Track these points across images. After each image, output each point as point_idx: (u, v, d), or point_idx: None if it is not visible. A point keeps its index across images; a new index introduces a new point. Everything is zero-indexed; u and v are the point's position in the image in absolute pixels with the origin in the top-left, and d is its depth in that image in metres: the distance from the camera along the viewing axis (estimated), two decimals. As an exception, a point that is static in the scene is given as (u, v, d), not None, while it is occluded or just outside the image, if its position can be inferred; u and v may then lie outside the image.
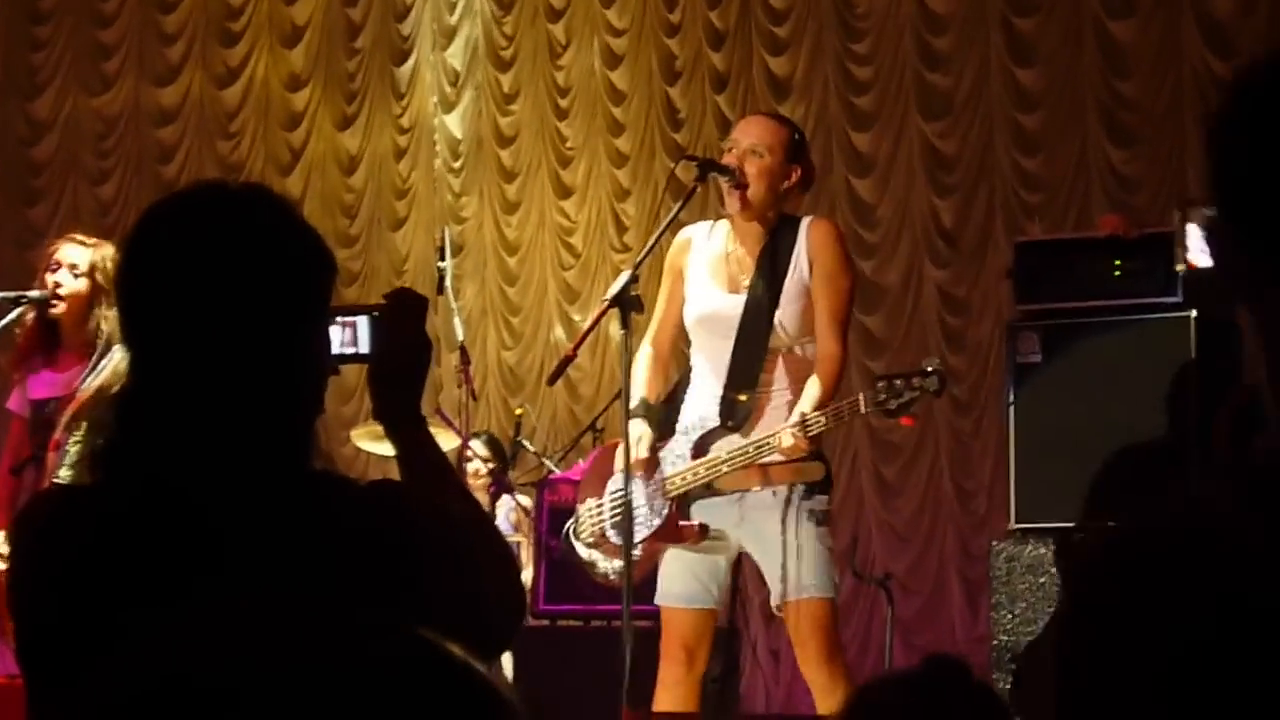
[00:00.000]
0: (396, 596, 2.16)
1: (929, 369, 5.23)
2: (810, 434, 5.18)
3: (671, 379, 5.72)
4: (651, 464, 5.46)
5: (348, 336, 2.50)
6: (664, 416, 5.57)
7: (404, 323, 2.50)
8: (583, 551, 5.63)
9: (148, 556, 2.13)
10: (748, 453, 5.31)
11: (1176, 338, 6.37)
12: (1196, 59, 8.85)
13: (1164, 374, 6.35)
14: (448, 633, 2.24)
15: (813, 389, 5.27)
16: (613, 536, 5.51)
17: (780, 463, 5.29)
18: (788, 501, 5.33)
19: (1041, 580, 6.36)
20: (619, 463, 5.36)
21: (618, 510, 5.43)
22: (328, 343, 2.34)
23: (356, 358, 2.51)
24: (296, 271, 2.26)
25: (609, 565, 5.56)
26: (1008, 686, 6.22)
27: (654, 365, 5.62)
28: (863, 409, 5.19)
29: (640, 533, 5.45)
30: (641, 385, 5.54)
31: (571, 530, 5.71)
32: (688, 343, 5.64)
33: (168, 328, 2.22)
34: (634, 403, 5.42)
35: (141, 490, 2.18)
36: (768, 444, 5.24)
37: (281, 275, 2.24)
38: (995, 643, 6.43)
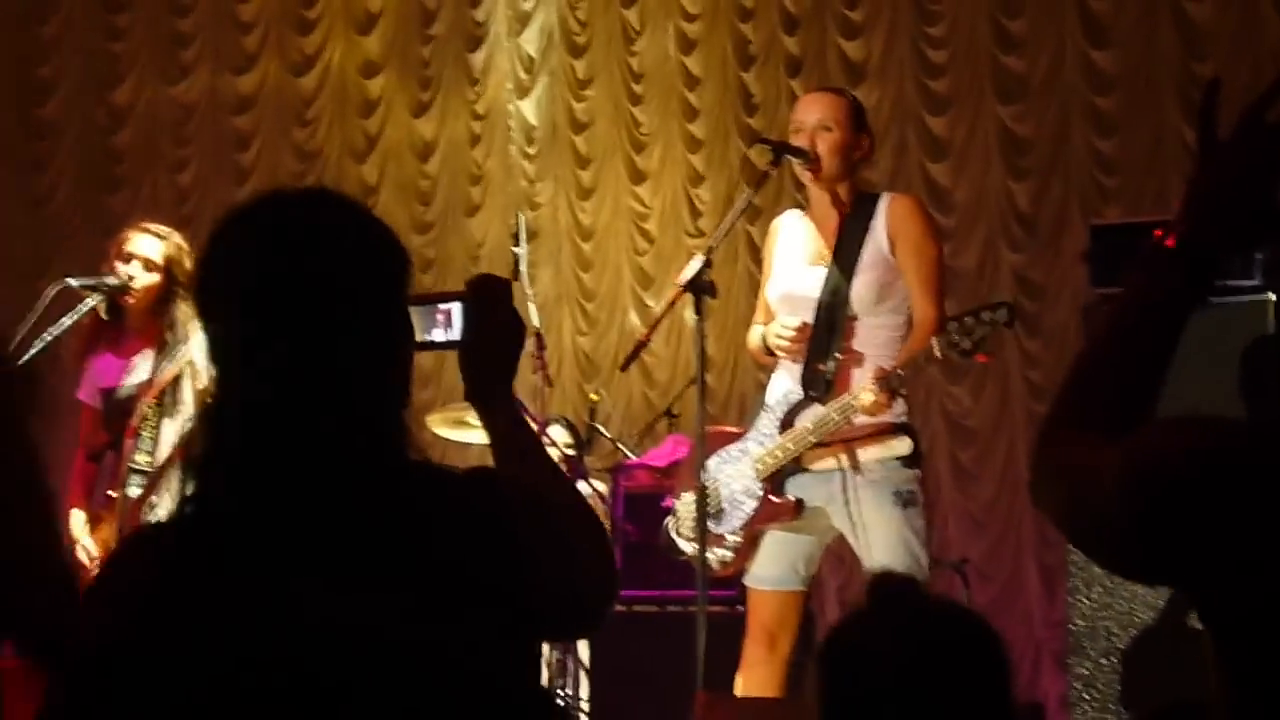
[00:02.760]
0: (497, 582, 2.19)
1: (997, 302, 5.20)
2: (890, 387, 5.18)
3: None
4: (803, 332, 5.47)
5: (442, 323, 2.52)
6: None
7: (491, 307, 2.52)
8: (685, 546, 5.64)
9: (254, 581, 2.15)
10: (832, 418, 5.32)
11: (1256, 320, 6.31)
12: (1276, 39, 8.77)
13: (1244, 354, 6.28)
14: (545, 613, 2.27)
15: (904, 350, 5.29)
16: (712, 526, 5.53)
17: (867, 432, 5.30)
18: (881, 479, 5.34)
19: (1119, 565, 6.33)
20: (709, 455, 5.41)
21: (715, 501, 5.48)
22: (410, 333, 2.36)
23: (450, 344, 2.54)
24: (370, 268, 2.27)
25: (714, 556, 5.55)
26: (1083, 672, 6.19)
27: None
28: (937, 353, 5.16)
29: (738, 520, 5.48)
30: (757, 337, 5.61)
31: (673, 527, 5.72)
32: None
33: (248, 337, 2.23)
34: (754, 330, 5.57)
35: (237, 509, 2.19)
36: (851, 404, 5.25)
37: (355, 273, 2.25)
38: (1071, 628, 6.38)
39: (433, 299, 2.55)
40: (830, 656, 2.37)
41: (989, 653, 2.35)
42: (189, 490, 2.25)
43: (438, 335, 2.53)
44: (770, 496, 5.46)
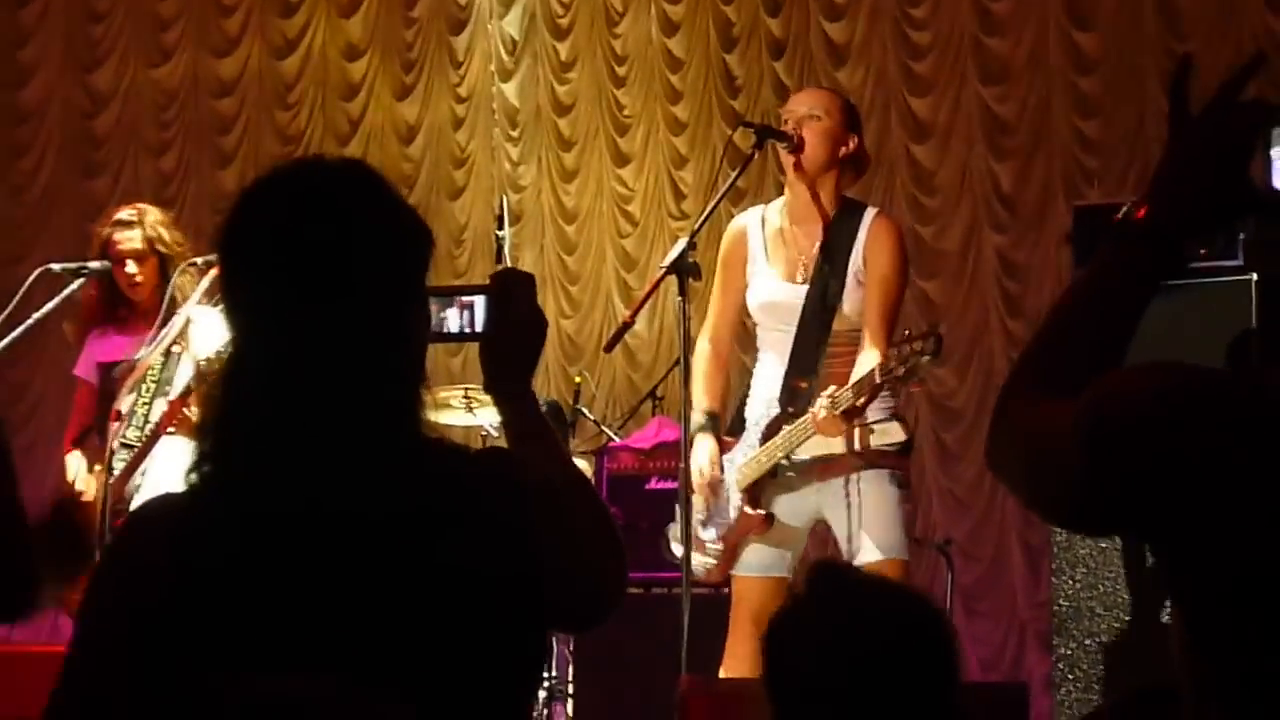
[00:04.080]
0: (512, 558, 2.20)
1: (928, 331, 5.19)
2: (839, 410, 5.18)
3: (730, 371, 5.74)
4: (716, 481, 5.50)
5: (466, 317, 2.55)
6: (737, 413, 5.61)
7: (515, 301, 2.53)
8: (677, 550, 5.66)
9: (266, 557, 2.15)
10: (795, 435, 5.34)
11: (1237, 301, 6.33)
12: (1256, 21, 8.78)
13: (1225, 338, 6.30)
14: (557, 602, 2.28)
15: (857, 374, 5.29)
16: (701, 533, 5.56)
17: (863, 422, 5.30)
18: (867, 466, 5.34)
19: (1103, 545, 6.33)
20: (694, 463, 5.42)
21: (703, 510, 5.50)
22: (428, 314, 2.37)
23: (468, 336, 2.56)
24: (396, 246, 2.29)
25: (699, 562, 5.58)
26: (1067, 652, 6.20)
27: (713, 366, 5.64)
28: (877, 379, 5.17)
29: (720, 530, 5.50)
30: (702, 394, 5.58)
31: (671, 531, 5.72)
32: (750, 329, 5.66)
33: (272, 307, 2.23)
34: (696, 415, 5.48)
35: (250, 482, 2.19)
36: (808, 423, 5.27)
37: (381, 250, 2.26)
38: (1056, 608, 6.40)
39: (456, 291, 2.58)
40: (771, 642, 2.37)
41: (929, 639, 2.34)
42: (203, 452, 2.25)
43: (451, 326, 2.55)
44: (745, 508, 5.48)
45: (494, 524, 2.21)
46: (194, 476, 2.25)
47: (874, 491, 5.33)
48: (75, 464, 6.10)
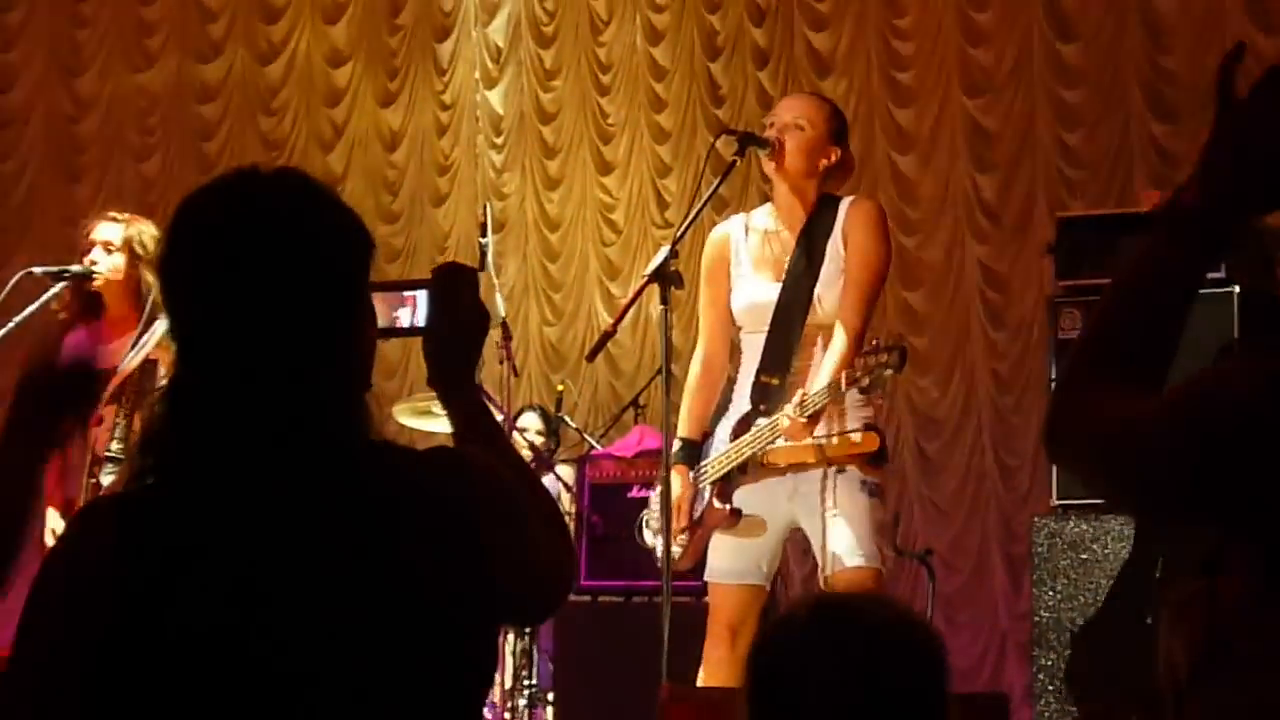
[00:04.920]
0: (458, 557, 2.20)
1: (893, 345, 5.16)
2: (807, 413, 5.17)
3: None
4: (688, 512, 5.48)
5: (407, 310, 2.56)
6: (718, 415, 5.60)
7: (456, 295, 2.54)
8: (649, 538, 5.66)
9: (215, 556, 2.15)
10: (764, 435, 5.32)
11: (1219, 314, 6.34)
12: (1240, 33, 8.79)
13: (1206, 350, 6.32)
14: (503, 593, 2.27)
15: (827, 363, 5.27)
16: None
17: (836, 431, 5.29)
18: (840, 472, 5.33)
19: (1083, 557, 6.35)
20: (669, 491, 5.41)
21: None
22: (373, 318, 2.36)
23: (414, 331, 2.58)
24: (334, 252, 2.28)
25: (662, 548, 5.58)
26: (1048, 663, 6.22)
27: (702, 387, 5.59)
28: (843, 388, 5.15)
29: (686, 518, 5.48)
30: (685, 419, 5.55)
31: (645, 519, 5.72)
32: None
33: (211, 317, 2.23)
34: (676, 444, 5.46)
35: (197, 485, 2.19)
36: (776, 424, 5.26)
37: (319, 256, 2.25)
38: (1036, 619, 6.42)
39: (399, 286, 2.60)
40: (758, 663, 2.36)
41: (922, 663, 2.34)
42: (145, 464, 2.25)
43: (402, 322, 2.56)
44: (714, 501, 5.47)
45: (442, 522, 2.21)
46: (134, 488, 2.25)
47: (848, 501, 5.31)
48: (52, 523, 6.06)
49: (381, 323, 2.47)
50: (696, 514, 5.49)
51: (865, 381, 5.10)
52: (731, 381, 5.60)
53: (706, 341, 5.63)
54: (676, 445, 5.48)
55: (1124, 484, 2.04)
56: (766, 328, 5.44)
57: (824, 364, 5.28)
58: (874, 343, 5.19)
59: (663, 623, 5.18)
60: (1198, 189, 2.03)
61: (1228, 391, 1.94)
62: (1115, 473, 2.05)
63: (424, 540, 2.18)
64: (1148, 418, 1.96)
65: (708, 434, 5.57)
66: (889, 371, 5.09)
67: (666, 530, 5.31)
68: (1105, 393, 2.02)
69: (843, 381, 5.13)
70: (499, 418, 7.54)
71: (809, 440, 5.29)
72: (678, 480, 5.44)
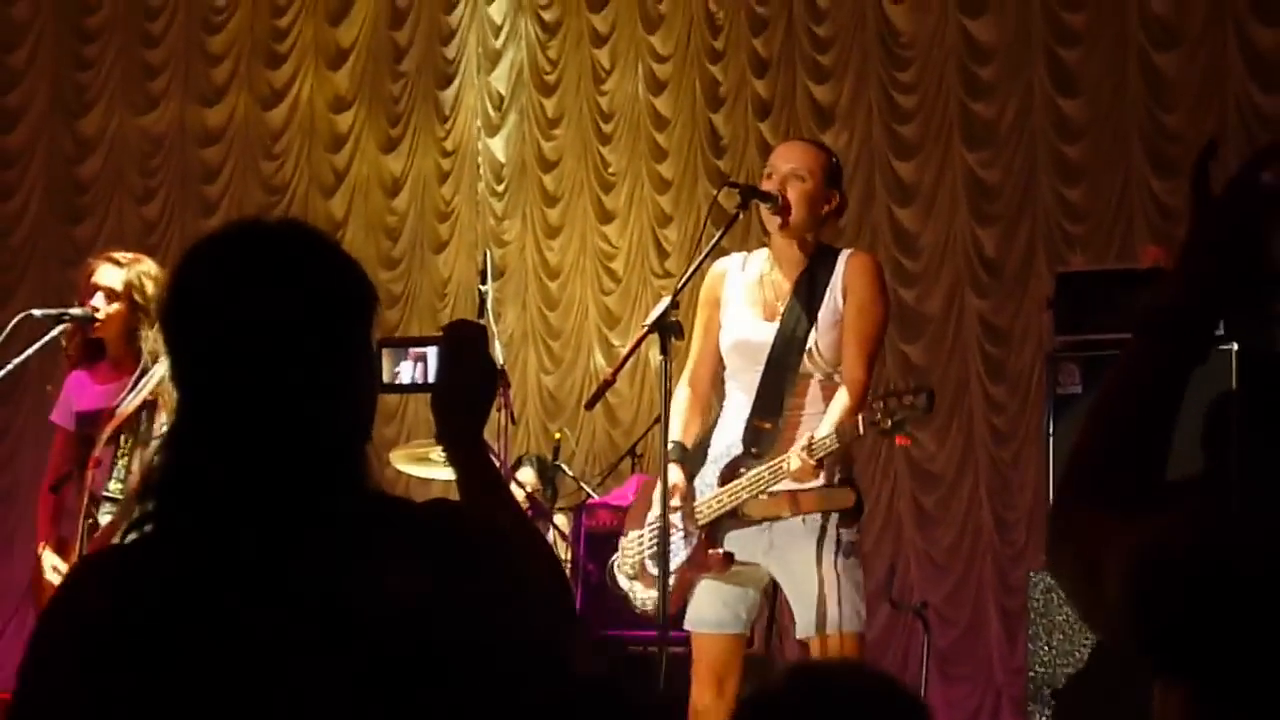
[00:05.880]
0: (456, 607, 2.20)
1: (918, 386, 5.19)
2: (816, 457, 5.18)
3: (712, 415, 5.71)
4: (686, 508, 5.47)
5: (419, 369, 2.56)
6: (701, 448, 5.57)
7: (466, 352, 2.55)
8: (623, 583, 5.65)
9: (213, 609, 2.15)
10: (764, 477, 5.31)
11: (1218, 371, 6.34)
12: (1240, 91, 8.83)
13: (1205, 408, 6.32)
14: (501, 642, 2.27)
15: (832, 413, 5.28)
16: (650, 568, 5.54)
17: (804, 489, 5.29)
18: (820, 530, 5.32)
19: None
20: (657, 494, 5.37)
21: (655, 541, 5.45)
22: (375, 369, 2.37)
23: (420, 387, 2.58)
24: (337, 304, 2.28)
25: (646, 595, 5.58)
26: (1043, 718, 6.20)
27: (691, 407, 5.62)
28: (860, 430, 5.16)
29: (673, 563, 5.46)
30: (678, 429, 5.55)
31: (615, 563, 5.72)
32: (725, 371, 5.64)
33: (213, 367, 2.23)
34: (669, 445, 5.45)
35: (197, 536, 2.19)
36: (779, 468, 5.25)
37: (322, 309, 2.26)
38: (1031, 674, 6.40)
39: (409, 342, 2.61)
40: None
41: None
42: (146, 512, 2.24)
43: (407, 378, 2.57)
44: (704, 545, 5.46)
45: (439, 575, 2.21)
46: (134, 535, 2.25)
47: (827, 566, 5.30)
48: (50, 560, 6.05)
49: (386, 377, 2.51)
50: (677, 563, 5.48)
51: (887, 424, 5.10)
52: (710, 427, 5.60)
53: (695, 369, 5.67)
54: (670, 445, 5.47)
55: (1090, 623, 2.05)
56: (756, 367, 5.45)
57: (828, 413, 5.28)
58: (890, 385, 5.20)
59: (659, 671, 5.16)
60: (1179, 288, 2.03)
61: (1175, 564, 1.91)
62: (1082, 602, 2.05)
63: (420, 597, 2.18)
64: (1111, 554, 1.95)
65: (700, 444, 5.57)
66: (918, 412, 5.10)
67: (664, 575, 5.29)
68: (1088, 513, 2.01)
69: (860, 425, 5.13)
70: (499, 470, 7.53)
71: (782, 487, 5.30)
72: (675, 470, 5.43)
